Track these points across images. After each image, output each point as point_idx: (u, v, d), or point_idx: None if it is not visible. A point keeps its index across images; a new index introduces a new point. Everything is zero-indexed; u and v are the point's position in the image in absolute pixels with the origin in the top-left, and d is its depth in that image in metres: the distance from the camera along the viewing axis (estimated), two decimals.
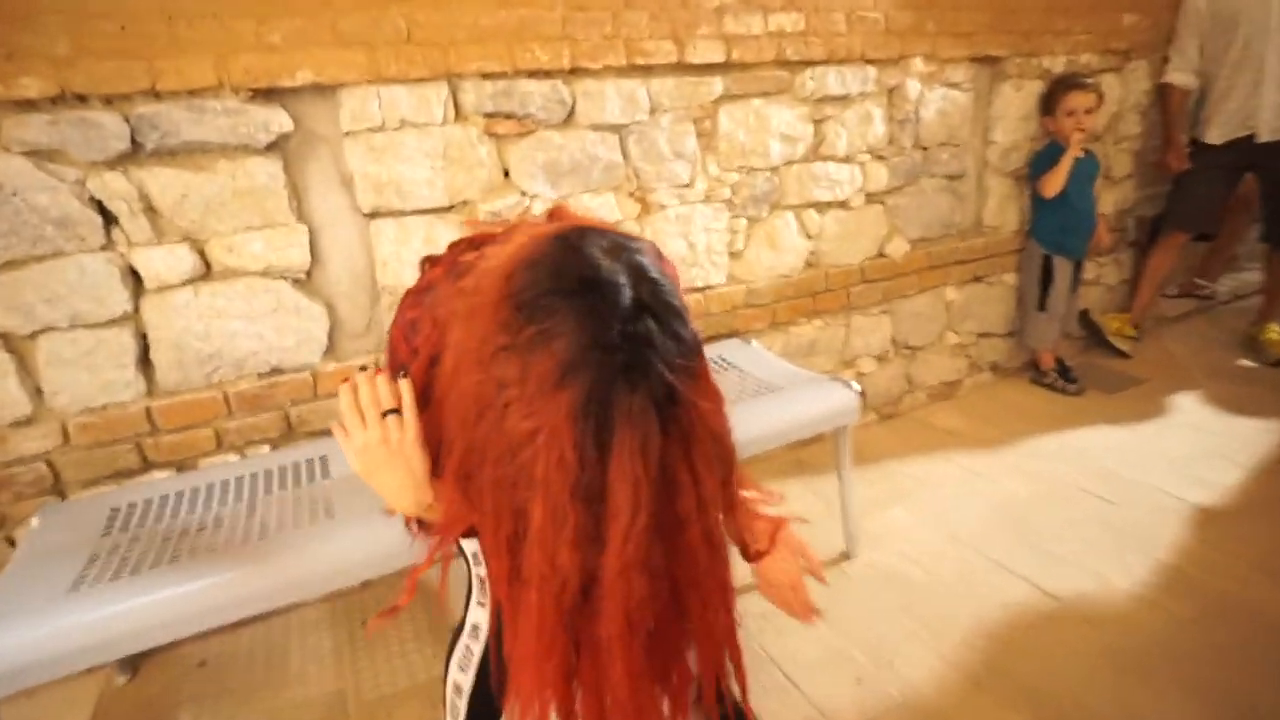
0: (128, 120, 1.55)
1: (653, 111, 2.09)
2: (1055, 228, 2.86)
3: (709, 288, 2.34)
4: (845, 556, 2.07)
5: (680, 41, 2.04)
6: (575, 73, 1.95)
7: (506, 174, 1.97)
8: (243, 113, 1.64)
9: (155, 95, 1.55)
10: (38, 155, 1.51)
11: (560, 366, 0.51)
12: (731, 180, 2.27)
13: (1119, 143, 3.17)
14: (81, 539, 1.47)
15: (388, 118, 1.77)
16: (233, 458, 1.79)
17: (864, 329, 2.68)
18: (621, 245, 0.57)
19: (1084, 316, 3.32)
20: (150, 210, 1.62)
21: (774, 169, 2.33)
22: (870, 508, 2.27)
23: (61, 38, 1.46)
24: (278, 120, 1.67)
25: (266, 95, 1.66)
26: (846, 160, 2.44)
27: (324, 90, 1.71)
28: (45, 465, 1.64)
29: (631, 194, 2.14)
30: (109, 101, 1.53)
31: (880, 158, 2.51)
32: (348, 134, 1.75)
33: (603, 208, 2.10)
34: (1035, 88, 2.80)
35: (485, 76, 1.85)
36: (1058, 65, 2.82)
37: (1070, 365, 3.06)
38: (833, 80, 2.30)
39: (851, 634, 1.78)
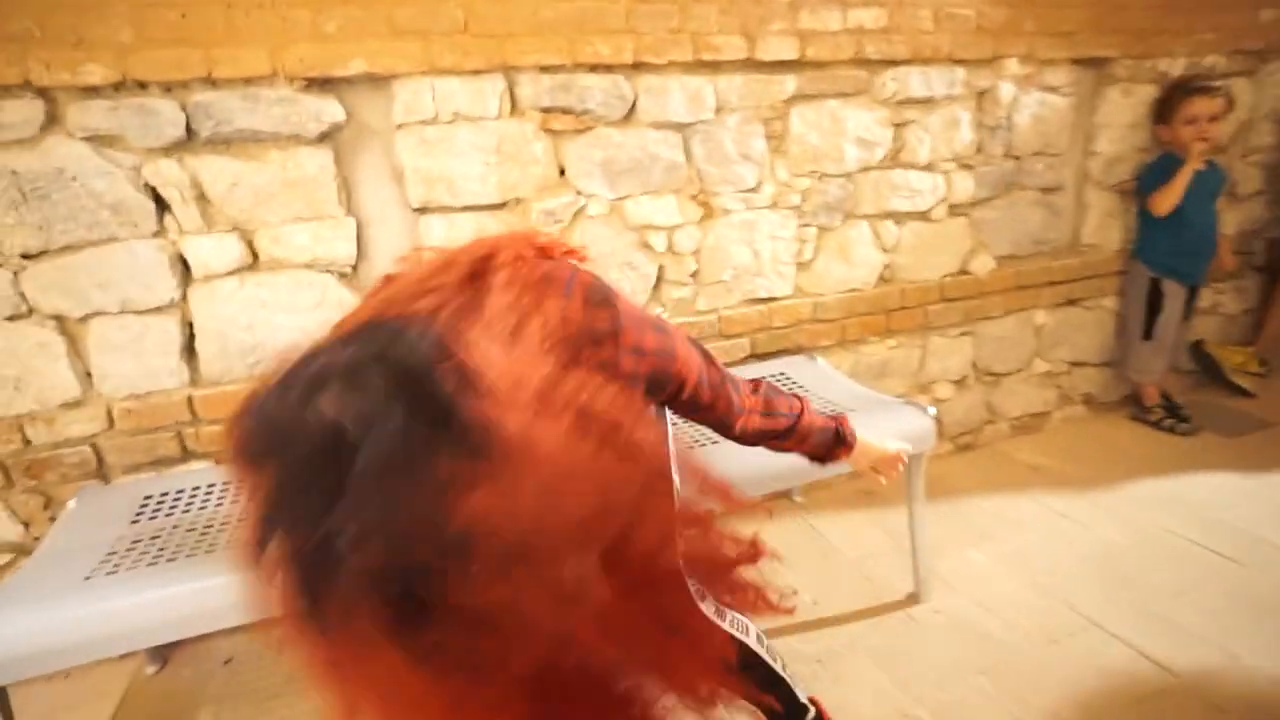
0: (184, 108, 1.54)
1: (719, 110, 1.96)
2: (1167, 248, 2.57)
3: (773, 299, 2.18)
4: (913, 599, 1.86)
5: (751, 37, 1.91)
6: (638, 68, 1.85)
7: (562, 172, 1.88)
8: (296, 102, 1.61)
9: (211, 83, 1.54)
10: (97, 141, 1.52)
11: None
12: (802, 186, 2.12)
13: (1247, 155, 2.83)
14: (113, 524, 1.44)
15: (441, 110, 1.72)
16: None
17: (942, 351, 2.46)
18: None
19: (1198, 348, 2.97)
20: (201, 198, 1.60)
21: (848, 175, 2.16)
22: (943, 547, 2.04)
23: (126, 26, 1.46)
24: (330, 110, 1.64)
25: (320, 85, 1.62)
26: (928, 168, 2.25)
27: (377, 81, 1.67)
28: (90, 448, 1.63)
29: (694, 197, 2.02)
30: (168, 89, 1.53)
31: (967, 166, 2.30)
32: (400, 126, 1.70)
33: (663, 210, 1.98)
34: (1148, 93, 2.53)
35: (543, 70, 1.77)
36: (1176, 68, 2.54)
37: (1180, 402, 2.73)
38: (916, 81, 2.12)
39: (916, 690, 1.58)
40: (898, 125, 2.18)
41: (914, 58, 2.09)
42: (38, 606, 1.21)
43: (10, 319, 1.54)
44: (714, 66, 1.92)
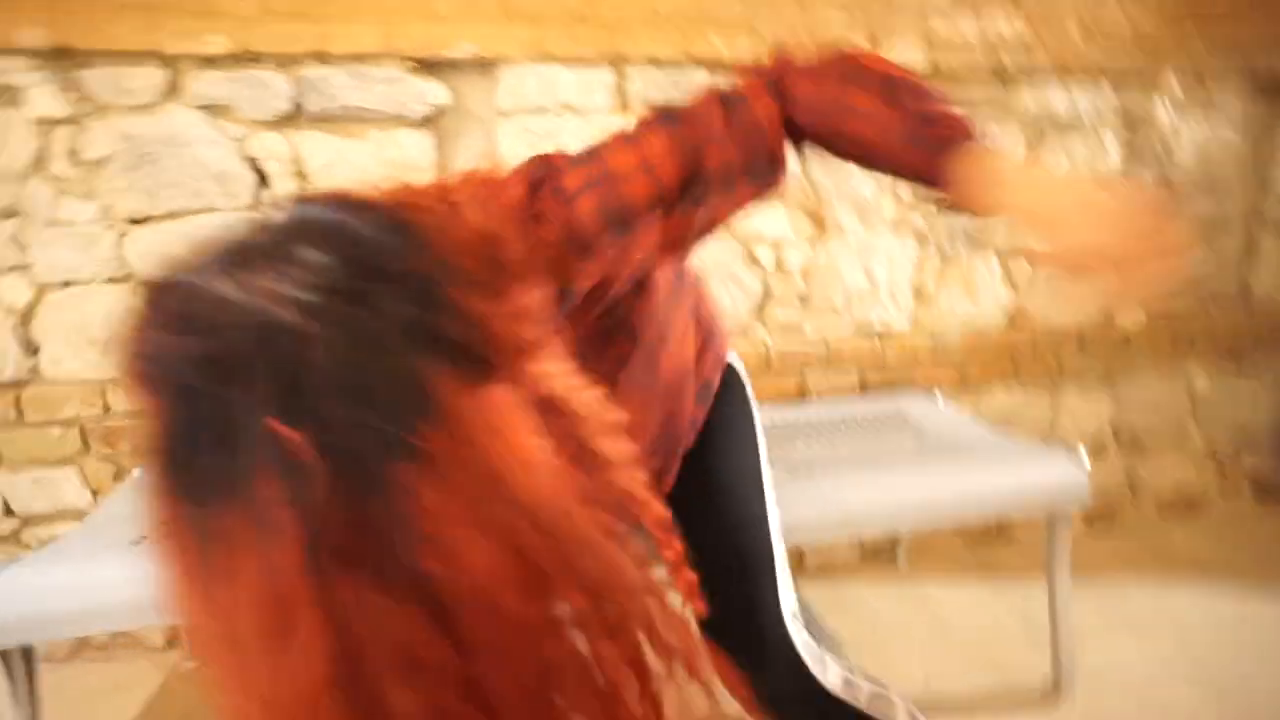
0: (294, 83, 1.52)
1: None
2: None
3: (888, 332, 1.95)
4: (1053, 695, 1.51)
5: (876, 41, 1.76)
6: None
7: None
8: (402, 82, 1.56)
9: (322, 59, 1.51)
10: (211, 110, 1.50)
11: None
12: (925, 209, 1.91)
13: None
14: None
15: (548, 100, 1.63)
16: None
17: (1076, 408, 2.13)
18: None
19: None
20: (299, 174, 1.56)
21: None
22: (1087, 634, 1.68)
23: (250, 1, 1.47)
24: (435, 92, 1.58)
25: (428, 67, 1.57)
26: None
27: (485, 66, 1.60)
28: None
29: (807, 210, 1.84)
30: (281, 64, 1.51)
31: None
32: (503, 114, 1.63)
33: (772, 222, 1.81)
34: None
35: (655, 63, 1.67)
36: None
37: None
38: (1058, 98, 1.91)
39: None
40: (1034, 146, 1.95)
41: (1057, 71, 1.88)
42: (80, 566, 1.10)
43: (110, 280, 1.52)
44: None
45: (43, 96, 1.43)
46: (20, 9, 1.38)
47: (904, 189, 1.89)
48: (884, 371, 1.95)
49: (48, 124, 1.44)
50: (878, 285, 1.91)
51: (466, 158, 1.65)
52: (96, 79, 1.44)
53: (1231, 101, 2.03)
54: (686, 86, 1.69)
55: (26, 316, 1.51)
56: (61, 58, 1.42)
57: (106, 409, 1.55)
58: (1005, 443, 1.56)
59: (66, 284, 1.50)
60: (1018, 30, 1.83)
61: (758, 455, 1.03)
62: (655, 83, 1.68)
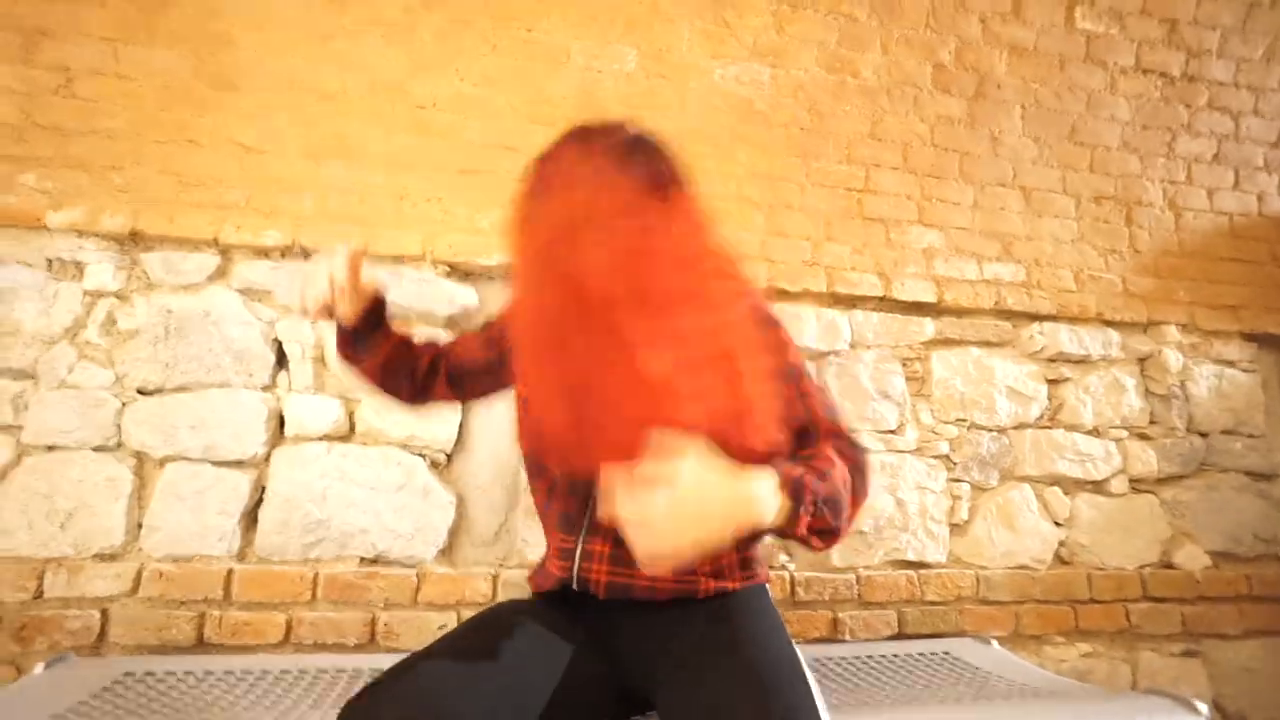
0: None
1: (854, 345, 1.78)
2: None
3: (924, 565, 1.69)
4: None
5: (886, 277, 1.81)
6: (773, 294, 1.75)
7: None
8: (434, 284, 1.58)
9: (366, 257, 1.55)
10: (249, 294, 1.51)
11: None
12: (950, 434, 1.79)
13: None
14: (74, 693, 1.04)
15: None
16: (295, 661, 1.33)
17: (1160, 672, 1.75)
18: None
19: None
20: (319, 360, 1.50)
21: (1002, 429, 1.82)
22: None
23: (310, 202, 1.55)
24: (463, 295, 1.59)
25: (461, 274, 1.61)
26: (1096, 433, 1.87)
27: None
28: (99, 614, 1.30)
29: None
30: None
31: (1143, 437, 1.90)
32: None
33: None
34: None
35: None
36: None
37: None
38: (1066, 338, 1.89)
39: None
40: (1051, 381, 1.88)
41: (1060, 314, 1.88)
42: None
43: (96, 449, 1.38)
44: (849, 301, 1.79)
45: (102, 271, 1.45)
46: (106, 199, 1.47)
47: (926, 415, 1.79)
48: (924, 611, 1.65)
49: (94, 295, 1.44)
50: (908, 511, 1.71)
51: None
52: (156, 260, 1.47)
53: (1236, 352, 2.01)
54: None
55: None
56: (132, 240, 1.47)
57: (39, 595, 1.30)
58: (1089, 690, 1.24)
59: (50, 448, 1.37)
60: (1016, 275, 1.89)
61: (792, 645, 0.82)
62: None
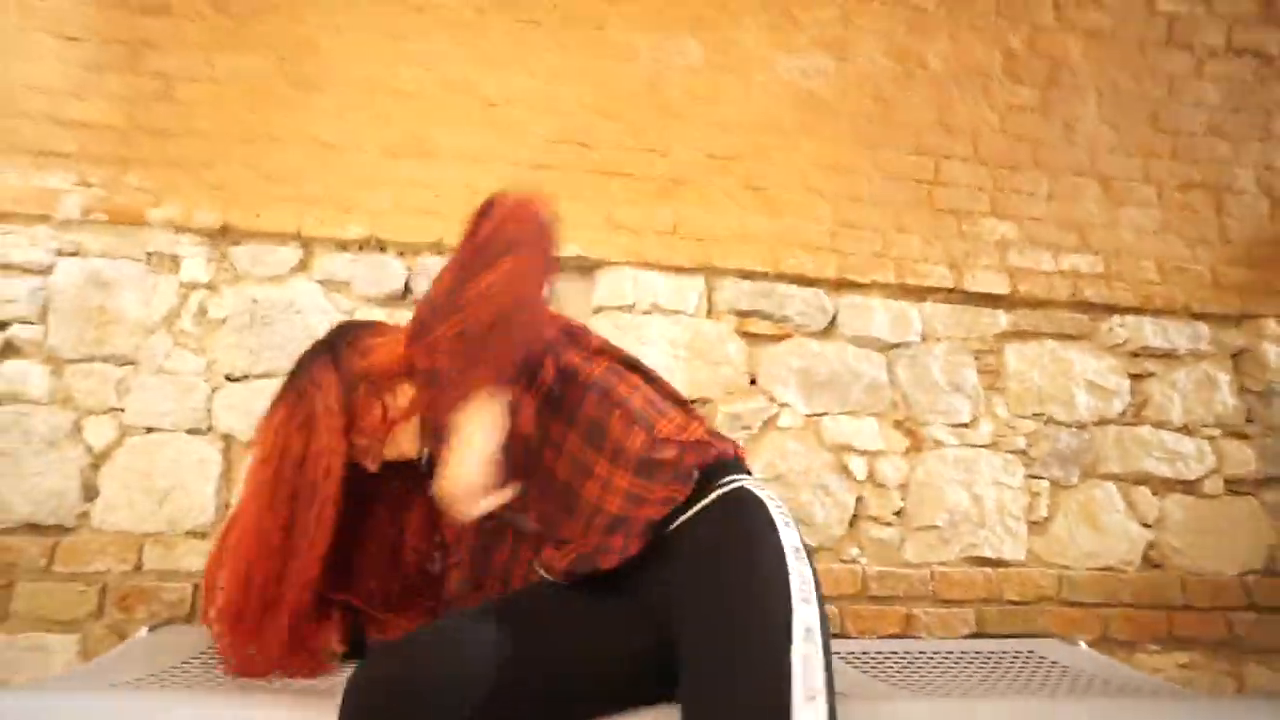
0: (408, 268, 1.57)
1: (925, 337, 1.72)
2: None
3: (1002, 563, 1.62)
4: None
5: (957, 268, 1.75)
6: (840, 285, 1.71)
7: (753, 381, 1.65)
8: None
9: (439, 250, 1.58)
10: (330, 285, 1.54)
11: None
12: (1026, 429, 1.71)
13: None
14: (172, 654, 1.07)
15: (640, 299, 1.62)
16: None
17: (1268, 686, 1.63)
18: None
19: None
20: None
21: (1082, 425, 1.73)
22: None
23: (387, 197, 1.58)
24: None
25: None
26: (1186, 431, 1.76)
27: (585, 268, 1.63)
28: (191, 588, 1.34)
29: (898, 423, 1.67)
30: (401, 250, 1.58)
31: (1239, 435, 1.78)
32: (598, 310, 1.61)
33: (863, 432, 1.64)
34: None
35: (744, 276, 1.67)
36: None
37: None
38: (1150, 331, 1.79)
39: None
40: (1135, 376, 1.78)
41: (1143, 307, 1.79)
42: (47, 695, 0.83)
43: (189, 431, 1.43)
44: (919, 292, 1.73)
45: (195, 264, 1.50)
46: (200, 195, 1.52)
47: (1001, 409, 1.72)
48: (1004, 611, 1.58)
49: (188, 286, 1.50)
50: (984, 507, 1.64)
51: None
52: (243, 253, 1.52)
53: None
54: (775, 299, 1.67)
55: (101, 459, 1.41)
56: (222, 234, 1.52)
57: (138, 567, 1.35)
58: (1197, 700, 1.15)
59: (149, 430, 1.42)
60: (1094, 267, 1.80)
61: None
62: (744, 293, 1.67)
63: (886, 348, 1.70)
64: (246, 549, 0.90)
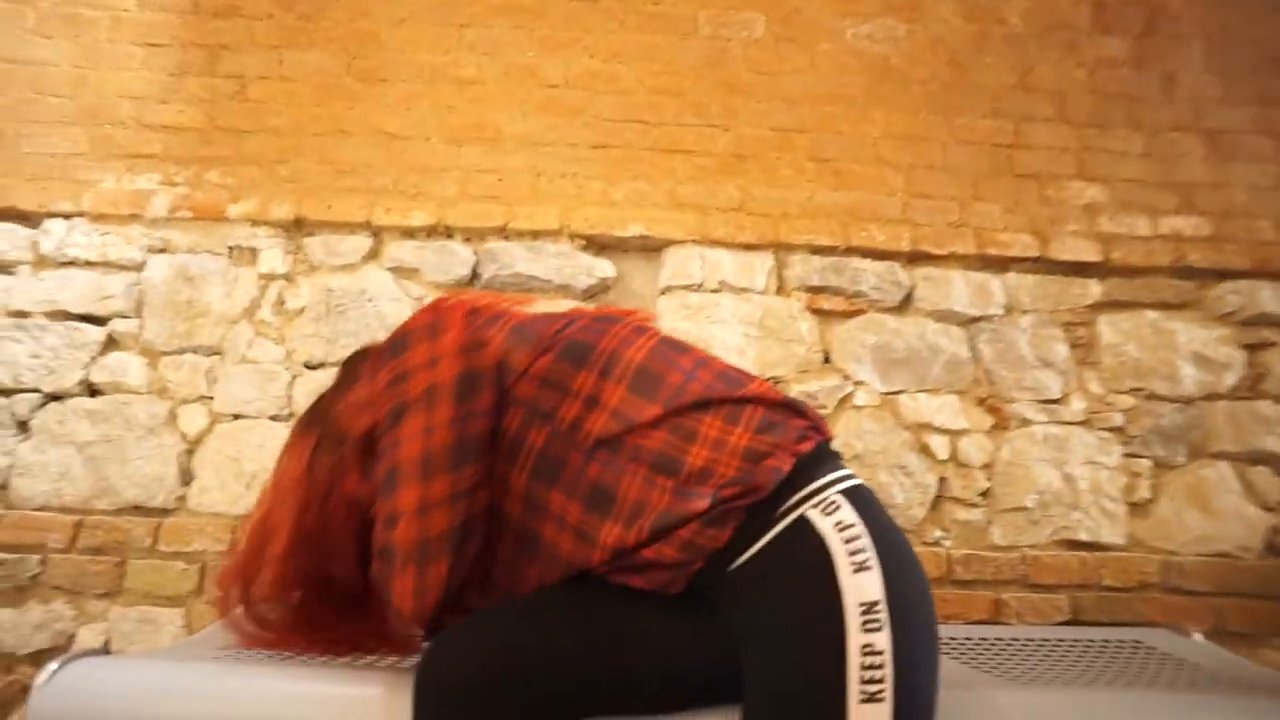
0: (475, 253, 1.57)
1: (1009, 310, 1.61)
2: None
3: (1099, 546, 1.51)
4: None
5: (1042, 236, 1.63)
6: (916, 257, 1.62)
7: (827, 358, 1.59)
8: (572, 257, 1.57)
9: (504, 234, 1.57)
10: (399, 272, 1.56)
11: None
12: (1124, 404, 1.58)
13: None
14: None
15: (707, 278, 1.58)
16: None
17: None
18: None
19: None
20: None
21: (1189, 400, 1.60)
22: None
23: (453, 185, 1.59)
24: (602, 268, 1.57)
25: (598, 246, 1.59)
26: None
27: (649, 249, 1.60)
28: None
29: (982, 400, 1.57)
30: (468, 236, 1.58)
31: None
32: (664, 290, 1.58)
33: (944, 411, 1.55)
34: None
35: (814, 251, 1.61)
36: None
37: None
38: (1267, 297, 1.63)
39: None
40: (1250, 347, 1.63)
41: (1259, 270, 1.63)
42: (142, 667, 0.86)
43: (272, 418, 1.48)
44: (1001, 262, 1.63)
45: (272, 257, 1.55)
46: (275, 190, 1.57)
47: (1095, 384, 1.60)
48: (1102, 597, 1.47)
49: (267, 278, 1.54)
50: (1077, 488, 1.53)
51: None
52: (317, 244, 1.56)
53: None
54: (846, 274, 1.60)
55: (195, 445, 1.47)
56: (296, 226, 1.56)
57: (234, 548, 1.40)
58: None
59: (236, 416, 1.47)
60: (1200, 229, 1.65)
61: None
62: (815, 268, 1.60)
63: (967, 321, 1.60)
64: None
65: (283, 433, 1.46)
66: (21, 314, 1.51)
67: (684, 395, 0.75)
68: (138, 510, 1.44)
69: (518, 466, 0.75)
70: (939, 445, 1.54)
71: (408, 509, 0.70)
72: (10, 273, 1.53)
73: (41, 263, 1.53)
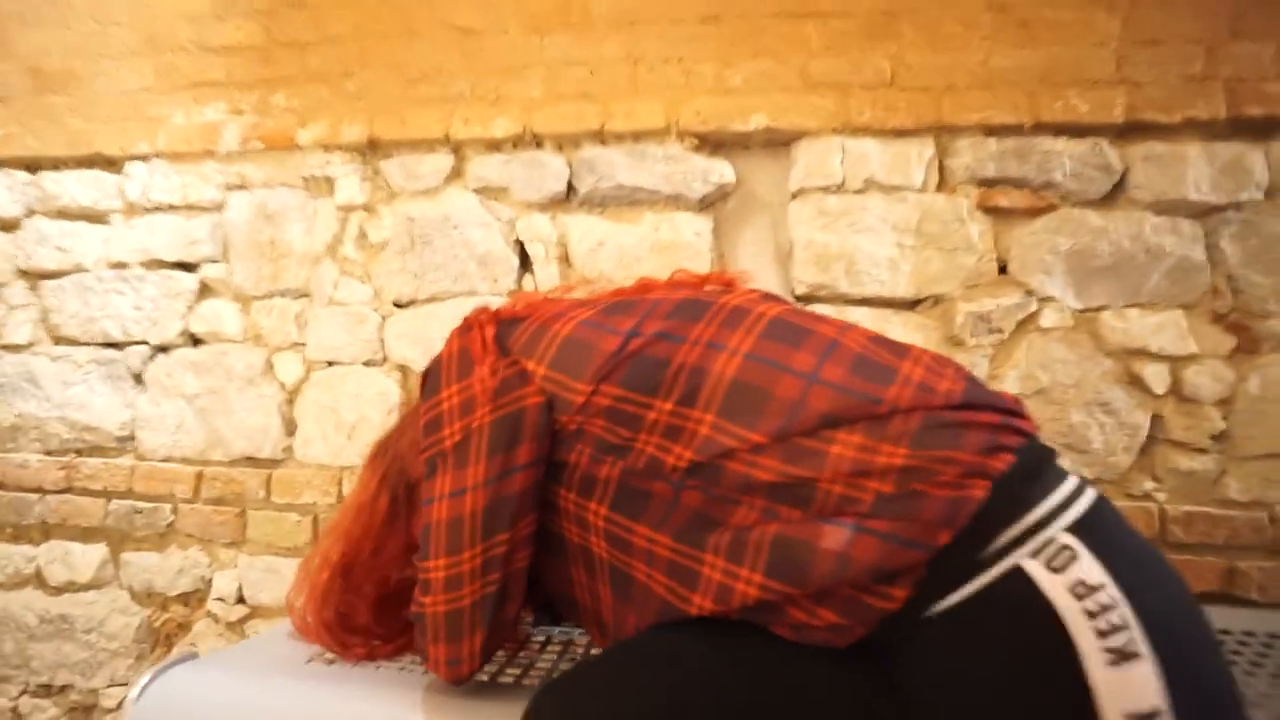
0: (569, 164, 1.33)
1: (1271, 193, 1.20)
2: None
3: None
4: None
5: None
6: (1131, 129, 1.22)
7: (1003, 268, 1.26)
8: (683, 160, 1.30)
9: (600, 139, 1.32)
10: (486, 192, 1.36)
11: None
12: None
13: None
14: None
15: (850, 175, 1.27)
16: None
17: None
18: None
19: None
20: (564, 259, 1.33)
21: None
22: None
23: (539, 83, 1.34)
24: (719, 171, 1.29)
25: (713, 145, 1.31)
26: None
27: (776, 144, 1.30)
28: None
29: (1219, 317, 1.20)
30: (559, 145, 1.34)
31: None
32: (796, 194, 1.29)
33: (1164, 332, 1.20)
34: None
35: (989, 132, 1.25)
36: None
37: None
38: None
39: None
40: None
41: None
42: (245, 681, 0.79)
43: (366, 363, 1.37)
44: (1263, 127, 1.19)
45: (349, 184, 1.39)
46: (344, 110, 1.38)
47: None
48: None
49: (345, 210, 1.40)
50: None
51: (750, 244, 1.32)
52: (394, 167, 1.38)
53: None
54: (1033, 159, 1.24)
55: (293, 395, 1.40)
56: (370, 149, 1.38)
57: (340, 498, 1.35)
58: None
59: (330, 363, 1.38)
60: None
61: None
62: (989, 155, 1.24)
63: (1205, 212, 1.20)
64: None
65: (379, 381, 1.36)
66: (120, 265, 1.46)
67: (802, 414, 0.54)
68: (249, 462, 1.40)
69: (595, 499, 0.61)
70: (1155, 376, 1.20)
71: (437, 581, 0.62)
72: (105, 222, 1.48)
73: (131, 210, 1.46)
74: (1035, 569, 0.48)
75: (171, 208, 1.43)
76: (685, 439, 0.56)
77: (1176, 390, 1.20)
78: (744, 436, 0.55)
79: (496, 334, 0.65)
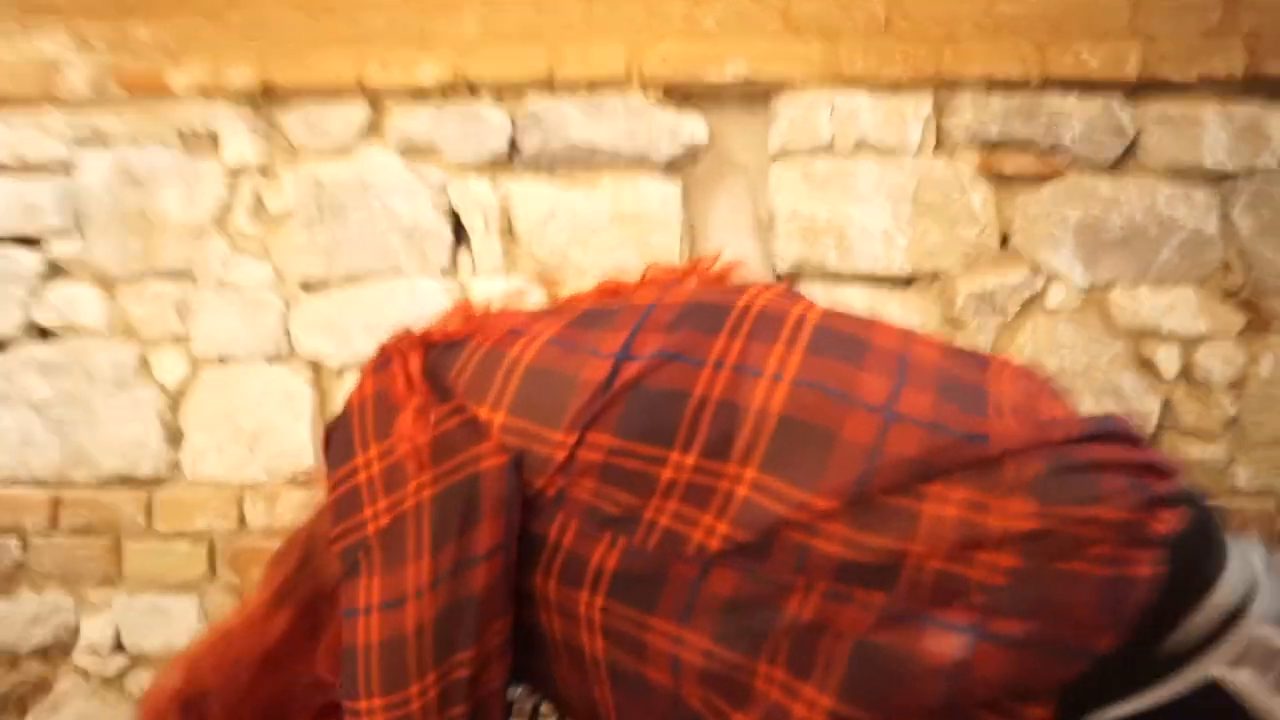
0: (513, 118, 1.12)
1: None
2: None
3: None
4: None
5: None
6: (1145, 87, 1.10)
7: (1005, 240, 1.13)
8: (647, 115, 1.10)
9: (550, 88, 1.10)
10: (411, 153, 1.12)
11: None
12: None
13: None
14: None
15: (840, 135, 1.10)
16: None
17: None
18: None
19: None
20: (507, 232, 1.12)
21: None
22: None
23: (473, 20, 1.11)
24: (689, 129, 1.10)
25: (681, 98, 1.12)
26: None
27: (754, 97, 1.12)
28: None
29: (1231, 294, 1.11)
30: (499, 95, 1.12)
31: None
32: (778, 156, 1.11)
33: (1175, 310, 1.10)
34: None
35: (993, 86, 1.10)
36: None
37: None
38: None
39: None
40: None
41: None
42: None
43: (269, 360, 1.13)
44: None
45: (239, 141, 1.13)
46: (229, 47, 1.11)
47: None
48: None
49: (235, 172, 1.14)
50: None
51: (724, 214, 1.14)
52: (296, 120, 1.13)
53: None
54: (1039, 119, 1.10)
55: (177, 399, 1.15)
56: (265, 97, 1.13)
57: (241, 521, 1.11)
58: None
59: (222, 359, 1.13)
60: None
61: None
62: (993, 114, 1.10)
63: (1219, 179, 1.10)
64: None
65: (285, 380, 1.12)
66: None
67: (881, 463, 0.38)
68: (124, 482, 1.14)
69: (587, 587, 0.42)
70: (1166, 358, 1.10)
71: None
72: None
73: None
74: (1238, 679, 0.34)
75: (2, 167, 1.13)
76: (717, 505, 0.39)
77: (1187, 374, 1.11)
78: (803, 501, 0.37)
79: (426, 366, 0.45)
